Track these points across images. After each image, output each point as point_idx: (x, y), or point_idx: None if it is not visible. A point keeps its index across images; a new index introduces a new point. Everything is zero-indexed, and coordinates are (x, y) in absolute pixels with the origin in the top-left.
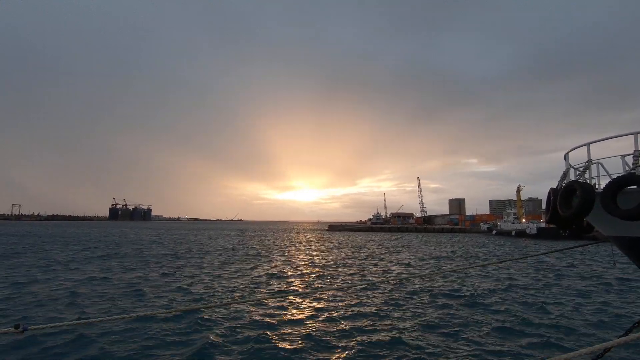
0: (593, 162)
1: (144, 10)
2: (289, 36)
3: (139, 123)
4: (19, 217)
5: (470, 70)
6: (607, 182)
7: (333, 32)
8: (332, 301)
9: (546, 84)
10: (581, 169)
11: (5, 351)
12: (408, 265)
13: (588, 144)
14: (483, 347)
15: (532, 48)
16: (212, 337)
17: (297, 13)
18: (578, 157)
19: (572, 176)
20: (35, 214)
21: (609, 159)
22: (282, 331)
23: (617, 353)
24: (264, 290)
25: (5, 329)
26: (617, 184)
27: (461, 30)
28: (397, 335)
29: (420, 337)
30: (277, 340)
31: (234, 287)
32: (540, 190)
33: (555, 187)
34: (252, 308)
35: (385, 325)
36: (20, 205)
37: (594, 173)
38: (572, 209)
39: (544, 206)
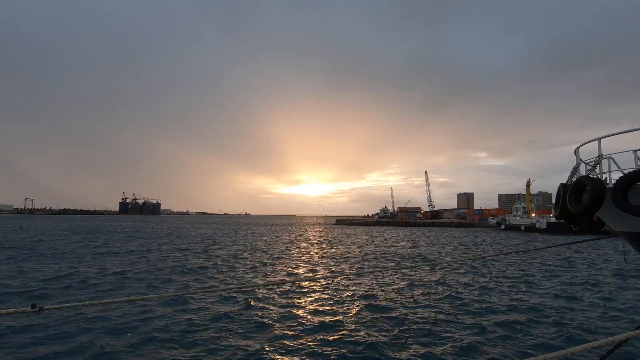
0: (604, 157)
1: (145, 9)
2: (295, 28)
3: (146, 119)
4: (32, 211)
5: (480, 63)
6: (618, 178)
7: (341, 24)
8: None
9: (557, 76)
10: (592, 164)
11: (22, 330)
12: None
13: (599, 139)
14: (495, 338)
15: (543, 40)
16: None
17: (304, 4)
18: (589, 152)
19: (582, 171)
20: (48, 208)
21: (620, 153)
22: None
23: (632, 346)
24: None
25: (23, 308)
26: (629, 180)
27: (471, 21)
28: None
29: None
30: None
31: None
32: (550, 184)
33: (565, 182)
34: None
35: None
36: (33, 200)
37: (604, 168)
38: (582, 204)
39: (554, 201)
